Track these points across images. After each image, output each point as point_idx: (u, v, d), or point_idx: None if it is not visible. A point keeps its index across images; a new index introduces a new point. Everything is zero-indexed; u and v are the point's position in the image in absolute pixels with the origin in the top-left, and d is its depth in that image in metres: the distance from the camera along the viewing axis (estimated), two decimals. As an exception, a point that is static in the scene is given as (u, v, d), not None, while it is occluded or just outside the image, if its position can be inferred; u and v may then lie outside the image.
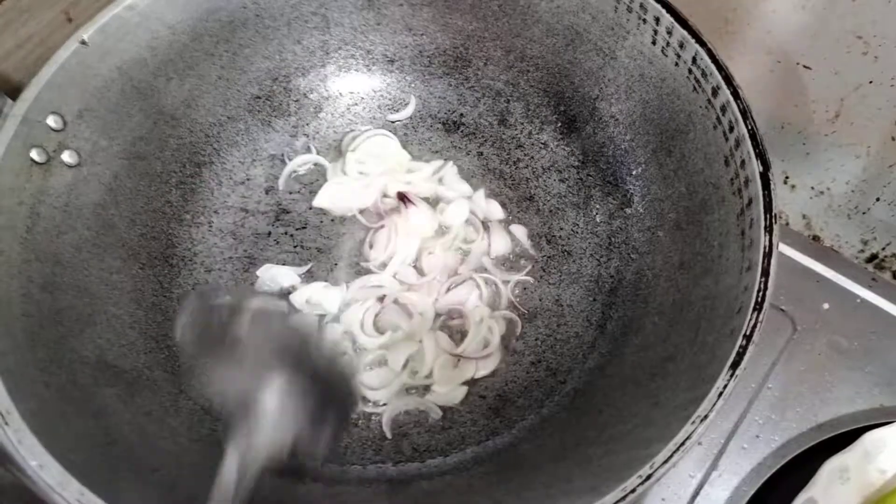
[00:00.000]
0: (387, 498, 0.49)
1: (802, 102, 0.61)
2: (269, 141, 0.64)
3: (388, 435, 0.53)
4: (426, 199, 0.61)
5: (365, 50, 0.64)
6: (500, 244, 0.59)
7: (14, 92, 0.49)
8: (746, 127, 0.45)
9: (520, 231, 0.60)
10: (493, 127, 0.64)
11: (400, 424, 0.53)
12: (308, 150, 0.64)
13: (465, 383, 0.54)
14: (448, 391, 0.54)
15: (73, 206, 0.51)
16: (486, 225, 0.60)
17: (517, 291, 0.58)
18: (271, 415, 0.37)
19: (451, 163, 0.63)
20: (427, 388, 0.54)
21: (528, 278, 0.58)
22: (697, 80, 0.49)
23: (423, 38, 0.63)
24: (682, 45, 0.49)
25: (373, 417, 0.53)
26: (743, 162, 0.45)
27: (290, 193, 0.62)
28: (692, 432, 0.38)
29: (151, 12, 0.54)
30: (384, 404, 0.54)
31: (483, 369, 0.55)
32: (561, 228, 0.60)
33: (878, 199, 0.64)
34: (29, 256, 0.47)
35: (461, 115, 0.65)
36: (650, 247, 0.55)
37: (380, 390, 0.54)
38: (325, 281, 0.58)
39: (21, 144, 0.47)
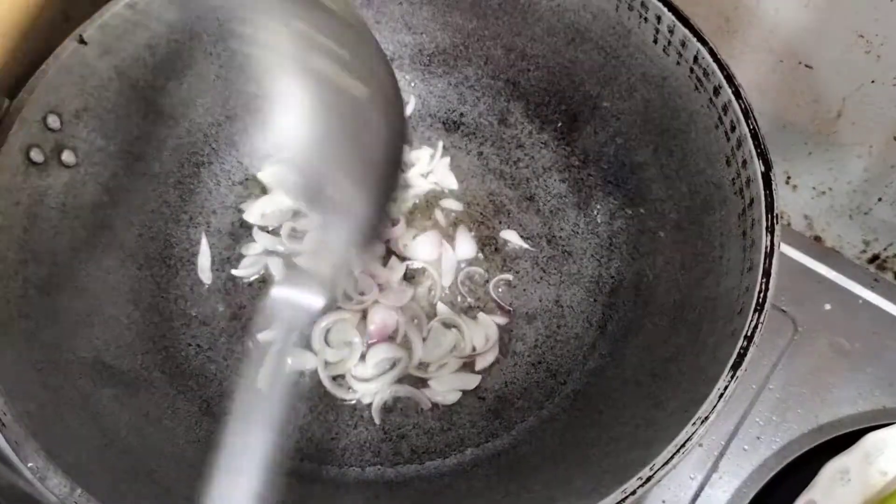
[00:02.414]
0: (386, 500, 0.49)
1: (804, 102, 0.61)
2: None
3: (377, 421, 0.53)
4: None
5: (364, 49, 0.64)
6: (466, 248, 0.59)
7: (11, 91, 0.49)
8: (748, 126, 0.45)
9: (512, 235, 0.60)
10: (493, 126, 0.64)
11: (398, 426, 0.53)
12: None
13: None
14: (445, 391, 0.54)
15: (70, 207, 0.51)
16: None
17: (509, 290, 0.58)
18: None
19: (446, 156, 0.63)
20: (422, 381, 0.54)
21: (508, 276, 0.58)
22: (699, 80, 0.49)
23: (423, 36, 0.63)
24: (683, 44, 0.49)
25: (368, 417, 0.53)
26: (744, 162, 0.45)
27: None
28: (693, 434, 0.38)
29: (150, 11, 0.54)
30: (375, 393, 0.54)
31: (483, 361, 0.55)
32: (561, 229, 0.60)
33: (880, 200, 0.64)
34: (26, 257, 0.47)
35: (461, 114, 0.65)
36: (651, 247, 0.55)
37: (371, 382, 0.54)
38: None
39: (18, 144, 0.47)
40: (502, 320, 0.57)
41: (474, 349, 0.55)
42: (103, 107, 0.53)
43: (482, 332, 0.56)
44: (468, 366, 0.55)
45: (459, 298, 0.58)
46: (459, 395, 0.54)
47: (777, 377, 0.58)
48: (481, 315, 0.57)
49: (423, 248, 0.59)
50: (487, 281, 0.58)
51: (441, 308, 0.57)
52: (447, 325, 0.56)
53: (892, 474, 0.51)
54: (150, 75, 0.56)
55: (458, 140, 0.64)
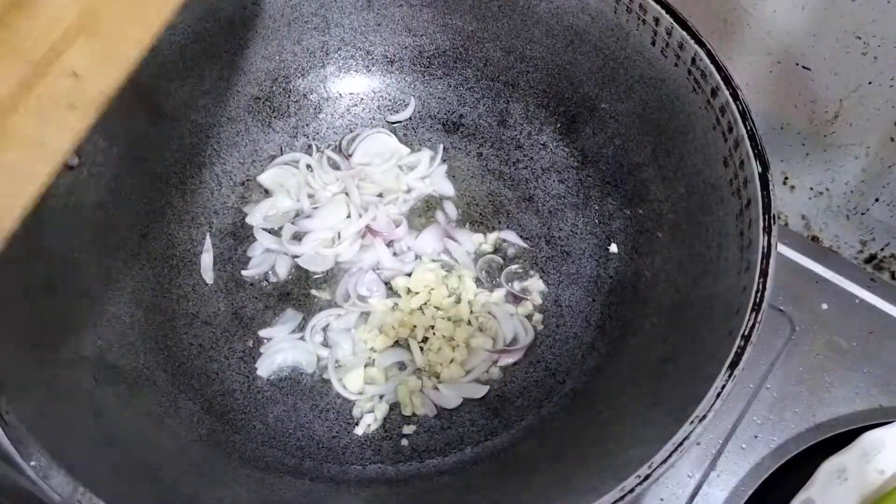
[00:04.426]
0: (386, 497, 0.49)
1: (801, 103, 0.61)
2: (269, 142, 0.64)
3: (378, 419, 0.53)
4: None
5: (365, 51, 0.64)
6: (469, 242, 0.60)
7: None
8: (745, 127, 0.45)
9: (511, 235, 0.61)
10: (492, 128, 0.64)
11: (399, 424, 0.53)
12: (309, 151, 0.64)
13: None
14: (450, 396, 0.54)
15: (73, 207, 0.51)
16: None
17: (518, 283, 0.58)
18: None
19: (443, 164, 0.64)
20: (430, 385, 0.55)
21: (516, 267, 0.59)
22: (697, 81, 0.49)
23: (423, 38, 0.63)
24: (681, 46, 0.49)
25: (370, 416, 0.54)
26: (742, 162, 0.45)
27: (290, 194, 0.62)
28: (690, 432, 0.38)
29: (151, 13, 0.54)
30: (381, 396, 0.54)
31: (506, 359, 0.56)
32: (560, 229, 0.61)
33: (876, 200, 0.64)
34: (29, 257, 0.47)
35: (461, 115, 0.65)
36: (649, 247, 0.55)
37: (376, 383, 0.55)
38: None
39: (21, 145, 0.47)
40: (526, 311, 0.57)
41: (505, 342, 0.56)
42: (105, 108, 0.53)
43: (512, 329, 0.56)
44: (485, 368, 0.55)
45: (484, 285, 0.59)
46: (461, 400, 0.54)
47: (774, 376, 0.58)
48: (517, 312, 0.57)
49: (427, 242, 0.60)
50: (502, 268, 0.59)
51: (462, 309, 0.57)
52: (455, 322, 0.57)
53: (889, 473, 0.51)
54: (152, 77, 0.56)
55: (457, 141, 0.65)
